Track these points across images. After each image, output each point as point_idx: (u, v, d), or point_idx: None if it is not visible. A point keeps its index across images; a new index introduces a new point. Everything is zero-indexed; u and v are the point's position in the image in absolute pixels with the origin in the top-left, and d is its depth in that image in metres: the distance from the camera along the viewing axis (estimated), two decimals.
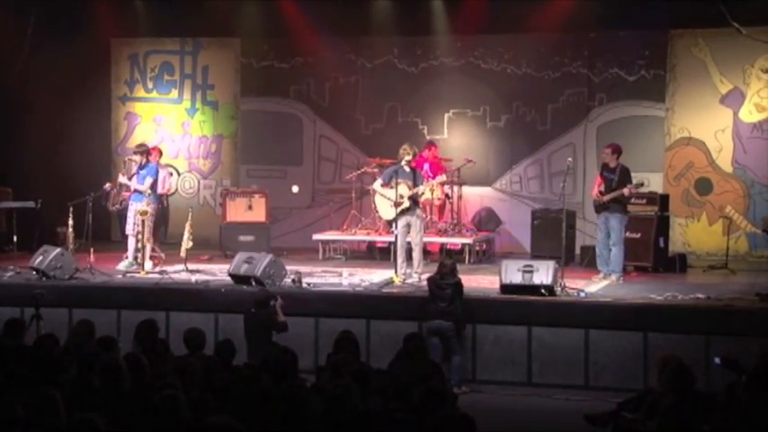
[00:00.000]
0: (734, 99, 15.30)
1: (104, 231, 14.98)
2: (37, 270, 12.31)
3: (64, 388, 5.87)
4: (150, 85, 17.56)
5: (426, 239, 13.30)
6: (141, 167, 13.26)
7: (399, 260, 12.27)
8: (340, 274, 12.79)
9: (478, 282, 12.28)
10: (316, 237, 15.16)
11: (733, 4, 14.04)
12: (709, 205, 15.46)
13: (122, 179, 13.41)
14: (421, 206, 12.83)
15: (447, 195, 14.94)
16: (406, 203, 12.21)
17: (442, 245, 14.59)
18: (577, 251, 14.52)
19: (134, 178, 13.23)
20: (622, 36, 15.72)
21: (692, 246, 15.39)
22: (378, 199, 12.73)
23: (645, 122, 15.66)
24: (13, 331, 8.43)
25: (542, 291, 11.08)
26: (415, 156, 12.61)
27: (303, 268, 12.71)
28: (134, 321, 8.81)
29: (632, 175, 12.63)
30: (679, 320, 10.57)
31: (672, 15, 14.93)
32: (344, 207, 15.88)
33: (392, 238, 12.89)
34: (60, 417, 5.31)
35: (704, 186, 15.49)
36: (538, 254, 14.15)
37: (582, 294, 11.30)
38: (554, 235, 13.77)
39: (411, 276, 12.27)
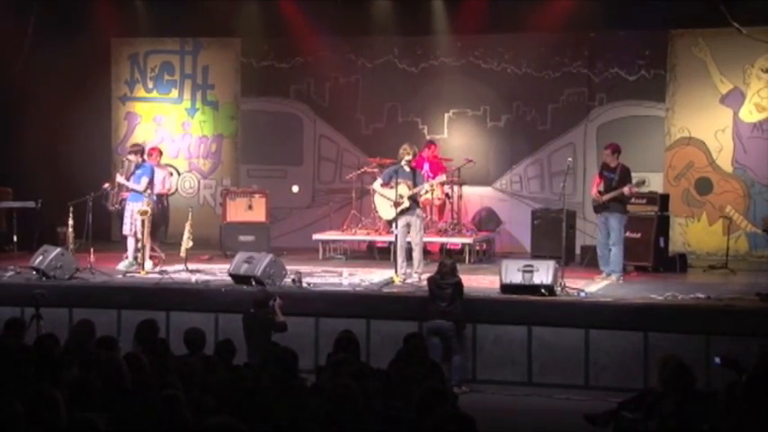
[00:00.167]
0: (734, 99, 15.30)
1: (104, 231, 14.98)
2: (37, 270, 12.31)
3: (64, 388, 5.86)
4: (150, 85, 17.57)
5: (426, 239, 13.30)
6: (137, 167, 13.26)
7: (399, 260, 12.27)
8: (340, 274, 12.78)
9: (479, 282, 12.28)
10: (316, 237, 15.16)
11: (733, 4, 14.04)
12: (710, 205, 15.46)
13: (120, 179, 13.40)
14: (421, 206, 12.83)
15: (447, 195, 14.94)
16: (406, 203, 12.21)
17: (442, 245, 14.59)
18: (578, 251, 14.52)
19: (131, 178, 13.23)
20: (622, 36, 15.72)
21: (693, 246, 15.39)
22: (378, 199, 12.73)
23: (645, 122, 15.66)
24: (14, 331, 8.43)
25: (542, 291, 11.08)
26: (415, 156, 12.61)
27: (303, 268, 12.70)
28: (134, 321, 8.80)
29: (632, 174, 12.63)
30: (679, 320, 10.57)
31: (672, 15, 14.92)
32: (345, 207, 15.89)
33: (392, 238, 12.89)
34: (61, 416, 5.30)
35: (704, 186, 15.49)
36: (538, 254, 14.14)
37: (582, 294, 11.30)
38: (554, 235, 13.77)
39: (411, 276, 12.27)
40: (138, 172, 13.21)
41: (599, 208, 12.69)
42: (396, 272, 12.22)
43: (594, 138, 15.74)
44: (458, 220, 14.87)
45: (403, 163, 12.34)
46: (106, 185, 13.48)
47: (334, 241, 15.21)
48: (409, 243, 12.39)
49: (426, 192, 13.14)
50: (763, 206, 15.06)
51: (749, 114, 15.28)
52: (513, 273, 11.26)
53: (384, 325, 10.98)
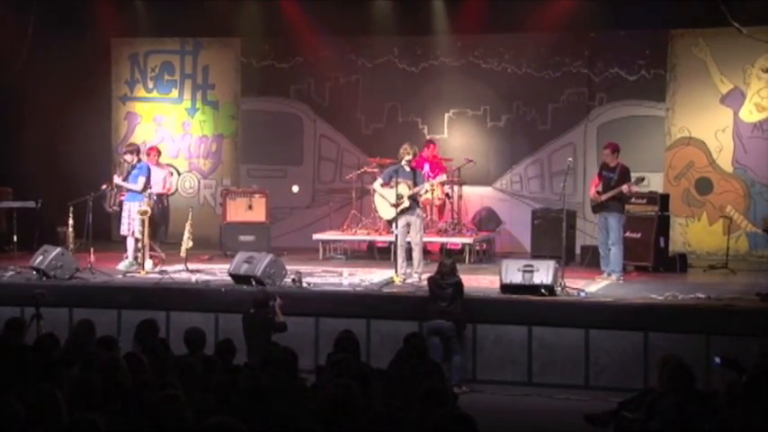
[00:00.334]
0: (734, 99, 15.30)
1: (104, 231, 14.97)
2: (37, 270, 12.31)
3: (64, 388, 5.86)
4: (150, 85, 17.57)
5: (426, 239, 13.30)
6: (133, 167, 13.25)
7: (399, 260, 12.27)
8: (340, 274, 12.78)
9: (479, 281, 12.28)
10: (316, 236, 15.16)
11: (733, 4, 14.03)
12: (710, 205, 15.46)
13: (117, 180, 13.37)
14: (421, 206, 12.83)
15: (447, 195, 14.94)
16: (406, 203, 12.21)
17: (443, 245, 14.60)
18: (578, 251, 14.52)
19: (128, 178, 13.22)
20: (622, 36, 15.73)
21: (693, 245, 15.39)
22: (378, 198, 12.72)
23: (645, 122, 15.67)
24: (14, 331, 8.43)
25: (542, 290, 11.08)
26: (415, 155, 12.60)
27: (303, 268, 12.70)
28: (134, 321, 8.81)
29: (632, 174, 12.63)
30: (679, 320, 10.57)
31: (672, 15, 14.92)
32: (345, 207, 15.89)
33: (392, 238, 12.89)
34: (61, 416, 5.30)
35: (704, 186, 15.49)
36: (538, 254, 14.14)
37: (582, 294, 11.30)
38: (554, 235, 13.78)
39: (411, 276, 12.27)
40: (135, 172, 13.20)
41: (597, 208, 12.70)
42: (396, 272, 12.22)
43: (595, 138, 15.74)
44: (458, 220, 14.87)
45: (403, 163, 12.34)
46: (104, 187, 13.47)
47: (334, 241, 15.22)
48: (409, 243, 12.39)
49: (426, 192, 13.13)
50: (764, 206, 15.06)
51: (749, 114, 15.28)
52: (513, 273, 11.26)
53: (384, 325, 10.97)
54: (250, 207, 15.25)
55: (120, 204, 13.39)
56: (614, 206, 12.51)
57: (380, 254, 14.64)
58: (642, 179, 12.67)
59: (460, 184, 15.04)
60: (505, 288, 11.28)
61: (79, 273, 12.41)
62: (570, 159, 12.99)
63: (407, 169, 12.35)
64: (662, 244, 13.74)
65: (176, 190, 17.01)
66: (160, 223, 14.41)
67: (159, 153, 15.39)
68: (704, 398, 6.96)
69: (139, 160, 13.41)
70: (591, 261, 13.63)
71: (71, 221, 13.16)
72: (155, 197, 13.77)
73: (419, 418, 5.75)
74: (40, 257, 12.37)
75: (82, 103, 16.62)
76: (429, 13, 15.95)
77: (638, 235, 13.52)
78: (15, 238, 13.38)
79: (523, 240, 15.59)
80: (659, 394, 7.21)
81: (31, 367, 6.60)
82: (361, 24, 16.20)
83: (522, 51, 15.99)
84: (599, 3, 15.02)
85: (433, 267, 11.15)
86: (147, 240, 12.83)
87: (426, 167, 14.48)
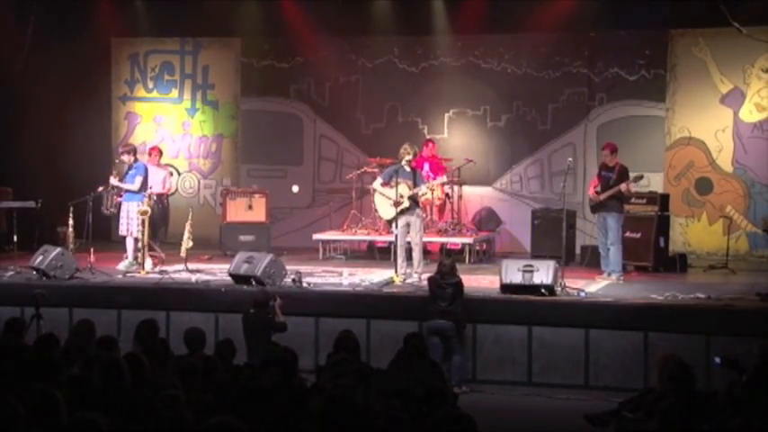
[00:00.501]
0: (734, 99, 15.30)
1: (104, 231, 14.97)
2: (37, 270, 12.31)
3: (64, 388, 5.86)
4: (150, 85, 17.57)
5: (426, 239, 13.30)
6: (130, 167, 13.25)
7: (399, 260, 12.27)
8: (340, 274, 12.78)
9: (479, 281, 12.28)
10: (316, 236, 15.16)
11: (733, 4, 14.04)
12: (710, 205, 15.46)
13: (114, 181, 13.35)
14: (421, 206, 12.82)
15: (447, 195, 14.94)
16: (406, 203, 12.21)
17: (442, 245, 14.60)
18: (578, 251, 14.53)
19: (125, 178, 13.21)
20: (622, 36, 15.73)
21: (693, 245, 15.39)
22: (377, 198, 12.72)
23: (645, 122, 15.67)
24: (14, 331, 8.43)
25: (542, 290, 11.07)
26: (415, 155, 12.60)
27: (303, 268, 12.70)
28: (134, 321, 8.80)
29: (631, 174, 12.63)
30: (679, 320, 10.56)
31: (672, 15, 14.93)
32: (345, 207, 15.89)
33: (392, 238, 12.89)
34: (61, 416, 5.30)
35: (704, 186, 15.49)
36: (538, 254, 14.14)
37: (582, 294, 11.30)
38: (554, 235, 13.78)
39: (411, 276, 12.27)
40: (132, 172, 13.20)
41: (596, 207, 12.71)
42: (396, 272, 12.22)
43: (594, 138, 15.74)
44: (458, 220, 14.87)
45: (403, 163, 12.33)
46: (100, 189, 13.43)
47: (334, 241, 15.22)
48: (409, 243, 12.39)
49: (426, 193, 13.13)
50: (764, 206, 15.06)
51: (749, 114, 15.28)
52: (513, 273, 11.26)
53: (384, 325, 10.97)
54: (250, 207, 15.25)
55: (117, 206, 13.36)
56: (613, 206, 12.51)
57: (380, 254, 14.64)
58: (641, 177, 12.69)
59: (460, 184, 15.04)
60: (505, 288, 11.28)
61: (79, 273, 12.41)
62: (570, 159, 12.99)
63: (407, 169, 12.34)
64: (662, 244, 13.74)
65: (176, 190, 17.01)
66: (160, 223, 14.41)
67: (161, 153, 15.40)
68: (704, 398, 6.96)
69: (136, 160, 13.40)
70: (591, 261, 13.63)
71: (71, 221, 13.16)
72: (155, 197, 13.77)
73: (419, 418, 5.75)
74: (40, 257, 12.37)
75: (82, 103, 16.62)
76: (429, 13, 15.95)
77: (638, 235, 13.52)
78: (15, 238, 13.37)
79: (523, 240, 15.59)
80: (659, 394, 7.22)
81: (31, 367, 6.60)
82: (361, 24, 16.20)
83: (522, 51, 15.99)
84: (599, 3, 15.02)
85: (433, 267, 11.15)
86: (146, 240, 12.83)
87: (426, 167, 14.48)
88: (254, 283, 11.58)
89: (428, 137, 15.77)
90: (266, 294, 10.51)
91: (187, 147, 17.48)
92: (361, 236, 15.06)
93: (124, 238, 13.22)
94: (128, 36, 17.40)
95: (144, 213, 12.76)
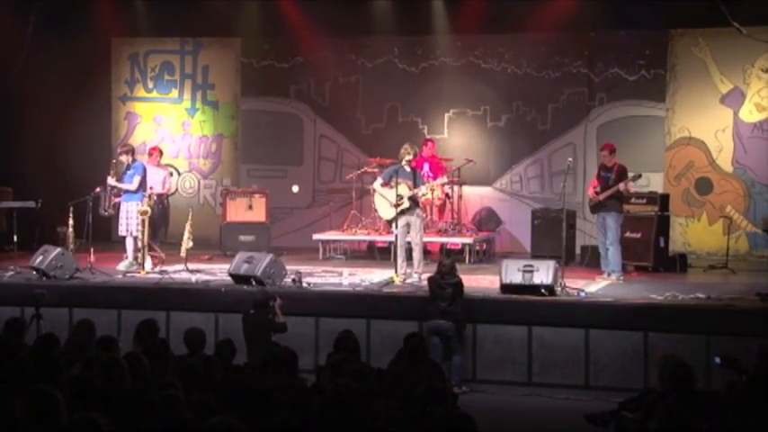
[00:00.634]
0: (734, 99, 15.31)
1: (104, 231, 14.96)
2: (37, 270, 12.31)
3: (64, 388, 5.86)
4: (150, 85, 17.57)
5: (426, 239, 13.30)
6: (128, 167, 13.25)
7: (399, 260, 12.27)
8: (340, 274, 12.78)
9: (479, 281, 12.28)
10: (316, 236, 15.16)
11: (733, 4, 14.05)
12: (710, 205, 15.47)
13: (111, 181, 13.34)
14: (421, 206, 12.82)
15: (447, 195, 14.94)
16: (406, 203, 12.20)
17: (443, 245, 14.60)
18: (578, 251, 14.53)
19: (123, 178, 13.20)
20: (622, 36, 15.73)
21: (693, 245, 15.39)
22: (377, 198, 12.72)
23: (645, 122, 15.67)
24: (14, 331, 8.43)
25: (542, 290, 11.07)
26: (415, 156, 12.60)
27: (303, 268, 12.70)
28: (134, 321, 8.80)
29: (629, 174, 12.62)
30: (679, 320, 10.56)
31: (672, 15, 14.93)
32: (345, 207, 15.89)
33: (392, 238, 12.89)
34: (61, 416, 5.30)
35: (704, 186, 15.50)
36: (538, 254, 14.14)
37: (582, 294, 11.30)
38: (554, 235, 13.78)
39: (411, 276, 12.27)
40: (130, 172, 13.19)
41: (595, 208, 12.71)
42: (396, 272, 12.22)
43: (594, 138, 15.74)
44: (458, 220, 14.87)
45: (403, 163, 12.33)
46: (97, 190, 13.41)
47: (334, 241, 15.22)
48: (409, 243, 12.39)
49: (425, 193, 13.12)
50: (764, 206, 15.06)
51: (749, 114, 15.28)
52: (513, 273, 11.26)
53: (384, 325, 10.97)
54: (250, 207, 15.25)
55: (115, 207, 13.34)
56: (612, 205, 12.52)
57: (380, 254, 14.65)
58: (639, 176, 12.69)
59: (460, 184, 15.04)
60: (505, 288, 11.28)
61: (79, 273, 12.41)
62: (570, 159, 12.99)
63: (407, 170, 12.34)
64: (662, 244, 13.74)
65: (176, 190, 17.01)
66: (160, 223, 14.40)
67: (161, 153, 15.40)
68: (704, 398, 6.96)
69: (134, 160, 13.39)
70: (591, 261, 13.63)
71: (71, 221, 13.16)
72: (155, 197, 13.76)
73: (419, 418, 5.74)
74: (40, 257, 12.37)
75: (82, 103, 16.61)
76: (429, 13, 15.96)
77: (638, 235, 13.52)
78: (15, 238, 13.37)
79: (523, 240, 15.60)
80: (659, 394, 7.21)
81: (31, 367, 6.60)
82: (361, 24, 16.20)
83: (522, 51, 16.00)
84: (599, 3, 15.02)
85: (433, 267, 11.15)
86: (147, 240, 12.83)
87: (426, 167, 14.48)
88: (254, 283, 11.58)
89: (428, 137, 15.77)
90: (266, 294, 10.50)
91: (187, 147, 17.48)
92: (361, 236, 15.06)
93: (124, 238, 13.21)
94: (128, 36, 17.40)
95: (144, 213, 12.76)
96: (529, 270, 11.19)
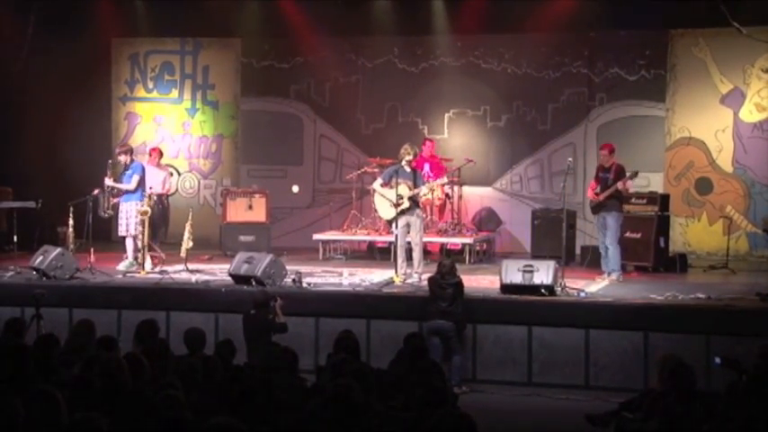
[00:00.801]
0: (734, 99, 15.31)
1: (104, 231, 14.94)
2: (37, 270, 12.31)
3: (64, 388, 5.86)
4: (150, 85, 17.57)
5: (426, 239, 13.30)
6: (127, 167, 13.24)
7: (399, 260, 12.26)
8: (340, 274, 12.78)
9: (479, 282, 12.28)
10: (316, 237, 15.16)
11: (733, 4, 14.04)
12: (710, 205, 15.47)
13: (109, 182, 13.32)
14: (421, 206, 12.82)
15: (447, 195, 14.94)
16: (406, 204, 12.20)
17: (443, 245, 14.60)
18: (578, 251, 14.53)
19: (122, 178, 13.19)
20: (622, 36, 15.73)
21: (693, 245, 15.39)
22: (377, 198, 12.71)
23: (645, 122, 15.67)
24: (14, 331, 8.43)
25: (542, 291, 11.07)
26: (415, 156, 12.60)
27: (303, 268, 12.70)
28: (134, 321, 8.79)
29: (627, 172, 12.62)
30: (679, 320, 10.56)
31: (672, 15, 14.94)
32: (345, 207, 15.89)
33: (392, 238, 12.89)
34: (61, 416, 5.30)
35: (704, 186, 15.49)
36: (538, 254, 14.14)
37: (582, 294, 11.30)
38: (554, 235, 13.78)
39: (411, 276, 12.27)
40: (128, 172, 13.18)
41: (596, 208, 12.73)
42: (396, 272, 12.22)
43: (594, 138, 15.74)
44: (458, 220, 14.87)
45: (403, 163, 12.33)
46: (96, 192, 13.39)
47: (334, 241, 15.22)
48: (409, 243, 12.39)
49: (426, 193, 13.13)
50: (764, 206, 15.06)
51: (749, 114, 15.29)
52: (513, 273, 11.26)
53: (384, 325, 10.97)
54: (250, 207, 15.25)
55: (114, 208, 13.32)
56: (613, 205, 12.53)
57: (380, 254, 14.65)
58: (636, 174, 12.70)
59: (460, 184, 15.04)
60: (505, 288, 11.28)
61: (79, 273, 12.41)
62: (570, 159, 12.98)
63: (407, 170, 12.34)
64: (662, 244, 13.74)
65: (176, 190, 17.01)
66: (160, 224, 14.41)
67: (161, 154, 15.41)
68: (704, 398, 6.96)
69: (132, 160, 13.38)
70: (591, 261, 13.63)
71: (71, 221, 13.16)
72: (155, 197, 13.76)
73: (419, 418, 5.74)
74: (40, 257, 12.37)
75: (82, 103, 16.62)
76: (429, 13, 15.96)
77: (638, 235, 13.52)
78: (15, 238, 13.37)
79: (523, 240, 15.60)
80: (659, 394, 7.21)
81: (31, 367, 6.60)
82: (361, 24, 16.20)
83: (522, 51, 16.00)
84: (599, 3, 15.02)
85: (433, 267, 11.15)
86: (146, 240, 12.83)
87: (426, 168, 14.48)
88: (254, 283, 11.58)
89: (428, 137, 15.76)
90: (266, 295, 10.50)
91: (187, 147, 17.48)
92: (361, 236, 15.06)
93: (124, 238, 13.21)
94: (128, 36, 17.40)
95: (144, 213, 12.76)
96: (529, 270, 11.19)
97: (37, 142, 16.07)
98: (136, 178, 13.11)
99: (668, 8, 14.70)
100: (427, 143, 15.06)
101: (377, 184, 12.67)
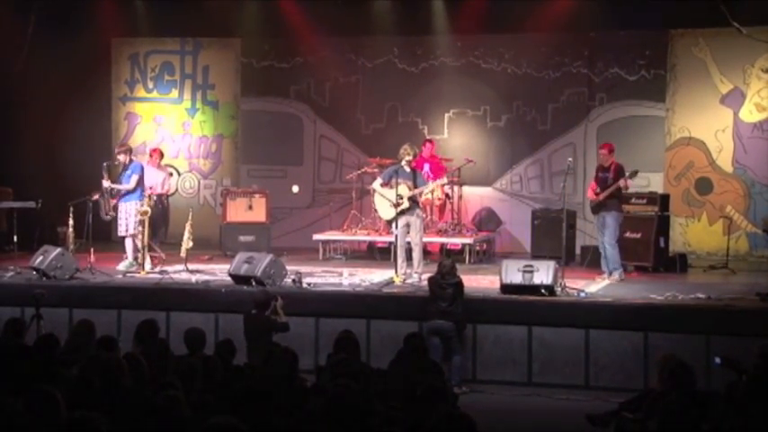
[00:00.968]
0: (734, 99, 15.30)
1: (104, 231, 14.91)
2: (37, 270, 12.31)
3: (64, 388, 5.86)
4: (150, 85, 17.57)
5: (426, 239, 13.30)
6: (126, 167, 13.23)
7: (399, 260, 12.26)
8: (340, 274, 12.78)
9: (479, 282, 12.28)
10: (316, 237, 15.16)
11: (733, 4, 14.05)
12: (710, 205, 15.47)
13: (107, 183, 13.30)
14: (421, 206, 12.82)
15: (447, 195, 14.94)
16: (406, 204, 12.20)
17: (443, 245, 14.59)
18: (578, 251, 14.53)
19: (121, 179, 13.18)
20: (622, 36, 15.73)
21: (693, 245, 15.39)
22: (377, 198, 12.72)
23: (645, 122, 15.67)
24: (14, 331, 8.43)
25: (542, 291, 11.08)
26: (415, 156, 12.60)
27: (303, 268, 12.70)
28: (134, 321, 8.80)
29: (626, 171, 12.62)
30: (679, 320, 10.57)
31: (672, 15, 14.93)
32: (345, 207, 15.89)
33: (392, 238, 12.89)
34: (61, 416, 5.30)
35: (704, 186, 15.49)
36: (538, 254, 14.15)
37: (582, 294, 11.30)
38: (554, 235, 13.78)
39: (411, 276, 12.27)
40: (128, 172, 13.17)
41: (596, 208, 12.72)
42: (396, 272, 12.22)
43: (595, 138, 15.74)
44: (458, 221, 14.87)
45: (403, 163, 12.33)
46: (96, 197, 13.35)
47: (334, 241, 15.21)
48: (409, 243, 12.39)
49: (426, 193, 13.13)
50: (764, 206, 15.06)
51: (749, 114, 15.28)
52: (513, 273, 11.26)
53: (384, 325, 10.98)
54: (250, 207, 15.25)
55: (116, 208, 13.31)
56: (612, 205, 12.53)
57: (380, 254, 14.65)
58: (636, 172, 12.70)
59: (460, 184, 15.05)
60: (505, 288, 11.28)
61: (79, 273, 12.41)
62: (570, 159, 12.97)
63: (407, 170, 12.34)
64: (662, 244, 13.74)
65: (176, 190, 17.01)
66: (160, 224, 14.41)
67: (161, 155, 15.41)
68: (704, 398, 6.96)
69: (131, 161, 13.37)
70: (591, 261, 13.63)
71: (71, 221, 13.16)
72: (155, 197, 13.76)
73: (419, 418, 5.74)
74: (40, 258, 12.37)
75: (82, 103, 16.61)
76: (429, 13, 15.95)
77: (638, 235, 13.52)
78: (15, 238, 13.37)
79: (523, 240, 15.60)
80: (659, 394, 7.21)
81: (31, 367, 6.60)
82: (361, 24, 16.20)
83: (522, 51, 16.00)
84: (599, 3, 15.02)
85: (433, 267, 11.15)
86: (146, 240, 12.82)
87: (426, 168, 14.48)
88: (254, 283, 11.58)
89: (427, 137, 15.76)
90: (267, 295, 10.50)
91: (187, 147, 17.48)
92: (361, 236, 15.06)
93: (124, 238, 13.21)
94: (128, 36, 17.40)
95: (144, 213, 12.75)
96: (529, 270, 11.19)
97: (37, 142, 16.08)
98: (135, 178, 13.10)
99: (668, 8, 14.70)
100: (427, 144, 15.06)
101: (377, 184, 12.67)
